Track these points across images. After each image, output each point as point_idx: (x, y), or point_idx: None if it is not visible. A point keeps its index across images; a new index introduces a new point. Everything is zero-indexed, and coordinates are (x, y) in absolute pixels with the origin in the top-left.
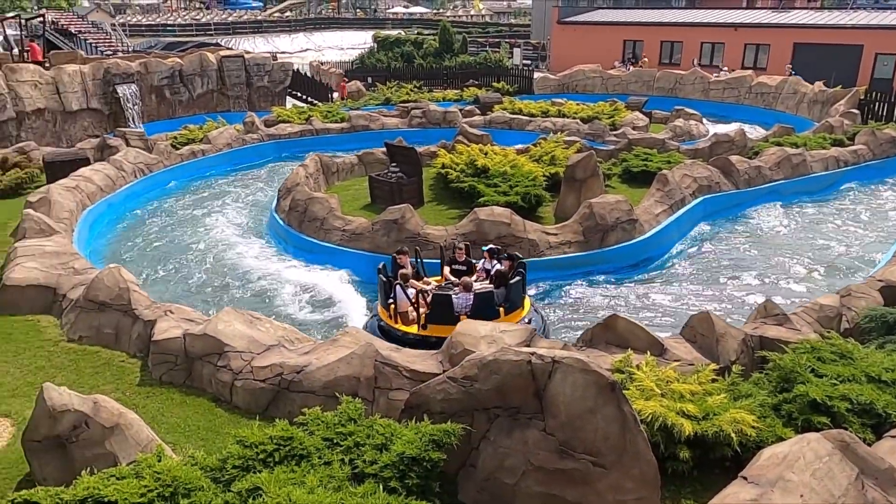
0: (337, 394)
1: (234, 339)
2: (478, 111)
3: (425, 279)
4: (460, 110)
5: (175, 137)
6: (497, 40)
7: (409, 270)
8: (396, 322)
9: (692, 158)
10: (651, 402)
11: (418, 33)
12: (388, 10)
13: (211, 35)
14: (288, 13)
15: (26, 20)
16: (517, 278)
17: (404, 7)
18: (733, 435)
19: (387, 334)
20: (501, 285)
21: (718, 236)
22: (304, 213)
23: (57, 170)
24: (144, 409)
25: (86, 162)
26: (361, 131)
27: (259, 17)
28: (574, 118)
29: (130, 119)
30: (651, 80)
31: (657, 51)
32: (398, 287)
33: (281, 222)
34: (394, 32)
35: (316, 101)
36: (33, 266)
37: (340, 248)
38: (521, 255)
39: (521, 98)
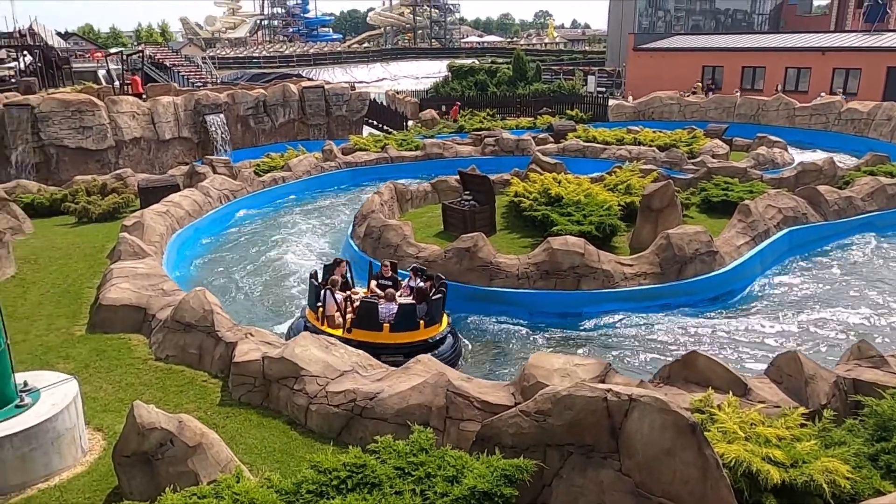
0: (409, 422)
1: (310, 363)
2: (551, 139)
3: (353, 289)
4: (533, 138)
5: (258, 165)
6: (571, 68)
7: (338, 279)
8: (323, 324)
9: (776, 188)
10: (734, 445)
11: (492, 62)
12: (462, 40)
13: (293, 66)
14: (366, 44)
15: (127, 55)
16: (438, 295)
17: (478, 37)
18: (825, 485)
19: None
20: (423, 301)
21: (806, 270)
22: (378, 239)
23: (150, 195)
24: (224, 429)
25: (176, 188)
26: (435, 159)
27: (338, 49)
28: (650, 146)
29: (217, 147)
30: (731, 106)
31: (738, 76)
32: (327, 292)
33: (356, 248)
34: (468, 62)
35: (391, 130)
36: (126, 287)
37: None
38: (442, 276)
39: (596, 126)
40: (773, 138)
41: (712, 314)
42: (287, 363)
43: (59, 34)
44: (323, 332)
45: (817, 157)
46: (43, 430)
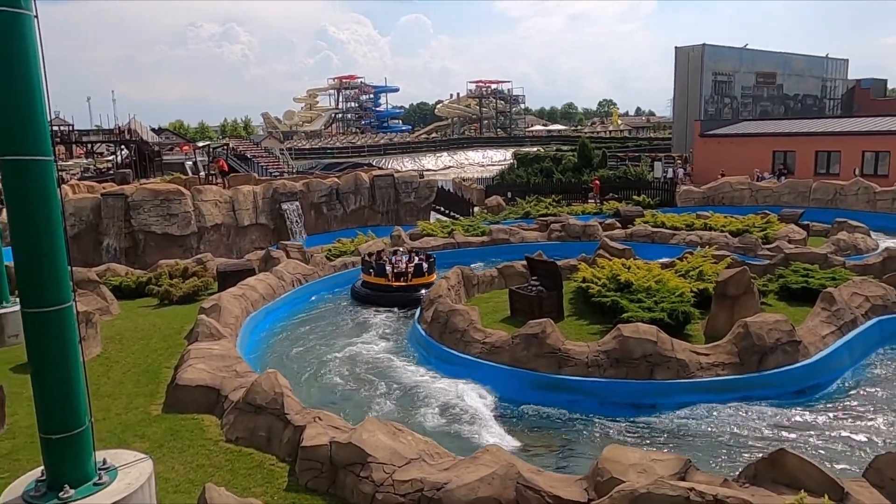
0: None
1: (377, 450)
2: (618, 224)
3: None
4: (600, 224)
5: (329, 250)
6: (637, 154)
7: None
8: (389, 281)
9: (861, 275)
10: None
11: (557, 150)
12: (527, 129)
13: (365, 156)
14: (434, 135)
15: (213, 148)
16: (433, 259)
17: (543, 125)
18: None
19: (374, 287)
20: (428, 261)
21: None
22: (445, 324)
23: (227, 279)
24: None
25: (252, 272)
26: (501, 244)
27: (408, 139)
28: (722, 231)
29: (292, 233)
30: (806, 191)
31: (811, 161)
32: (386, 264)
33: (423, 333)
34: (533, 149)
35: (458, 216)
36: (202, 368)
37: (480, 360)
38: (430, 252)
39: (664, 211)
40: (854, 223)
41: (798, 409)
42: (354, 448)
43: (153, 130)
44: (389, 286)
45: None
46: None
